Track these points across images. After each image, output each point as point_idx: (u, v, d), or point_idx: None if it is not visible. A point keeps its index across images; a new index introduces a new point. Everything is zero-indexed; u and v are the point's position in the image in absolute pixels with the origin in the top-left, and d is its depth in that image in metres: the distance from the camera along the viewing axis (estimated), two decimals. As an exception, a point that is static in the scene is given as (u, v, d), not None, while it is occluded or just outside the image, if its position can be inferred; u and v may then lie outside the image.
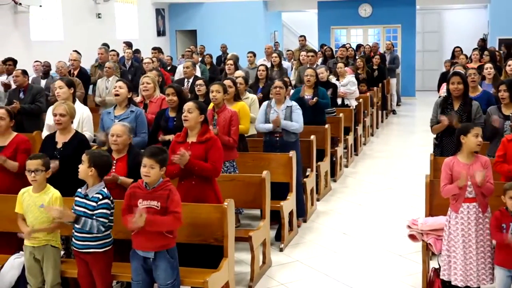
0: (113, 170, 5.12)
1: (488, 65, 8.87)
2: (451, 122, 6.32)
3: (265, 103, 7.38)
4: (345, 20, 19.38)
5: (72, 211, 4.59)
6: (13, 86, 9.56)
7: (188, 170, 5.05)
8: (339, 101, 10.69)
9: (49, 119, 6.32)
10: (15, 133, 5.80)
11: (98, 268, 4.65)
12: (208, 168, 5.10)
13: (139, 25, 18.55)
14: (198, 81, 7.76)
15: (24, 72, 9.10)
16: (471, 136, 4.82)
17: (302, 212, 7.31)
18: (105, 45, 12.55)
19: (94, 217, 4.53)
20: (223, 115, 6.43)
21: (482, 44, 17.37)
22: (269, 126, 7.08)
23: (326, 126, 8.42)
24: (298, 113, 7.13)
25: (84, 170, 4.61)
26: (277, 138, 7.09)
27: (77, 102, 6.57)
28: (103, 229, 4.57)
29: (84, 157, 4.64)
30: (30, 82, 9.48)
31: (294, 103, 7.26)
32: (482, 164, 4.82)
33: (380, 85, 14.30)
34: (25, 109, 8.59)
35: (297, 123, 7.07)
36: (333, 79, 10.72)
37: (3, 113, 5.71)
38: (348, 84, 11.02)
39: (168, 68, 13.60)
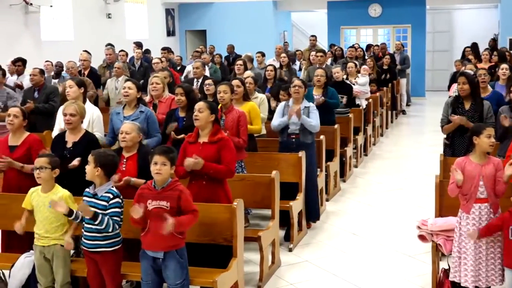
0: (123, 168, 5.14)
1: (504, 65, 8.53)
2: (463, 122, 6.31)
3: (282, 103, 7.33)
4: (355, 20, 19.31)
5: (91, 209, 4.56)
6: (25, 86, 9.58)
7: (199, 171, 5.06)
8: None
9: (59, 121, 6.34)
10: (27, 133, 5.79)
11: (108, 267, 4.67)
12: (223, 170, 5.11)
13: (149, 25, 18.59)
14: (207, 81, 7.77)
15: (42, 72, 9.15)
16: (484, 137, 4.78)
17: (315, 214, 7.28)
18: (110, 45, 12.57)
19: (107, 217, 4.55)
20: (231, 115, 6.41)
21: (493, 44, 17.26)
22: (285, 118, 6.98)
23: (336, 126, 8.40)
24: (315, 114, 7.08)
25: (90, 170, 4.62)
26: (294, 140, 7.03)
27: (87, 102, 6.57)
28: (117, 227, 4.59)
29: (90, 157, 4.65)
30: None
31: (311, 104, 7.20)
32: (494, 165, 4.78)
33: (390, 85, 14.27)
34: (39, 108, 8.61)
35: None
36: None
37: (16, 112, 5.72)
38: (366, 84, 10.98)
39: (178, 68, 13.62)
